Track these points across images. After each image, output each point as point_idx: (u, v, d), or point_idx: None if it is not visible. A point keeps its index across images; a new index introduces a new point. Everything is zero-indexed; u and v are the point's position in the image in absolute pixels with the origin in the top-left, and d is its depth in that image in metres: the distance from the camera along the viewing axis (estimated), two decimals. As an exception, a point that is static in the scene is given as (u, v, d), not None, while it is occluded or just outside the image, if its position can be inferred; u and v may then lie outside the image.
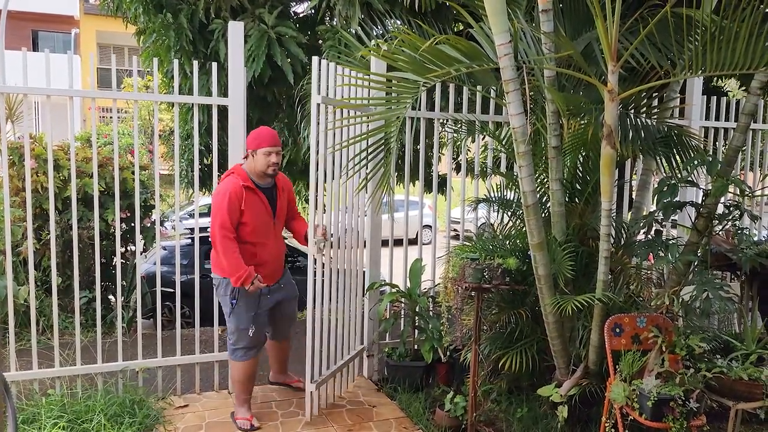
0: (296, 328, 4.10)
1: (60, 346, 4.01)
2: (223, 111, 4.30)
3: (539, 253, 3.33)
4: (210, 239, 3.64)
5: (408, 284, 4.54)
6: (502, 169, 4.56)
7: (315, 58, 3.74)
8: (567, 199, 3.73)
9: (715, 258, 3.78)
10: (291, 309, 3.99)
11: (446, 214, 4.83)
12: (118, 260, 4.19)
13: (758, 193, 4.24)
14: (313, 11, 5.87)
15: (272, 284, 3.74)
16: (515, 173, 3.74)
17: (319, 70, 3.72)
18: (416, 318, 4.48)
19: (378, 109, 3.88)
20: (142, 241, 6.13)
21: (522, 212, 3.51)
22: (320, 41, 5.68)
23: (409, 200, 4.96)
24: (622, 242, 3.86)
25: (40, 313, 5.27)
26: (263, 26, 5.39)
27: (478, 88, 4.56)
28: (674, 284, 3.57)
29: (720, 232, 3.99)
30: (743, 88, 6.80)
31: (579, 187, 3.85)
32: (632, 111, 3.84)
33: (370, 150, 3.91)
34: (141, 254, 5.69)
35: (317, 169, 3.73)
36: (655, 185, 3.51)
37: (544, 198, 3.81)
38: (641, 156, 4.10)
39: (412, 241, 5.09)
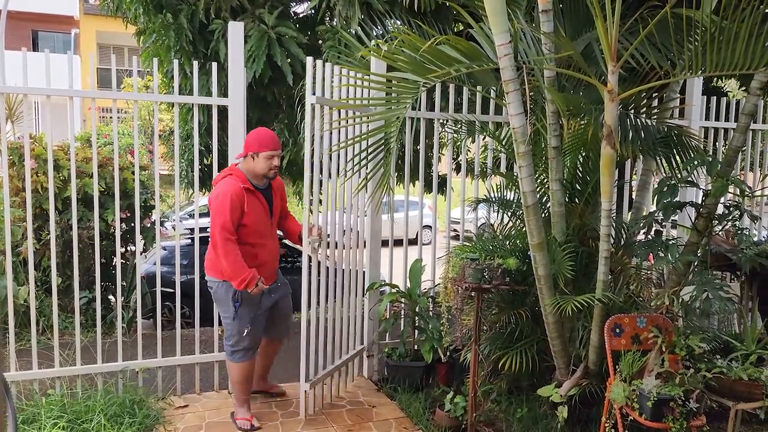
0: (293, 328, 4.09)
1: (60, 346, 4.01)
2: (223, 111, 4.30)
3: (539, 253, 3.33)
4: (209, 240, 3.63)
5: (408, 284, 4.54)
6: (502, 169, 4.57)
7: (309, 59, 3.74)
8: (567, 200, 3.73)
9: (715, 258, 3.78)
10: (288, 306, 3.99)
11: (446, 214, 4.84)
12: (118, 260, 4.20)
13: (758, 193, 4.23)
14: (313, 11, 5.87)
15: (271, 284, 3.75)
16: (515, 173, 3.74)
17: (314, 70, 3.72)
18: (416, 318, 4.48)
19: (378, 110, 3.88)
20: (142, 242, 6.13)
21: (522, 212, 3.51)
22: (320, 41, 5.68)
23: (409, 200, 4.96)
24: (622, 242, 3.86)
25: (40, 313, 5.27)
26: (263, 26, 5.39)
27: (478, 88, 4.56)
28: (674, 284, 3.57)
29: (720, 233, 3.99)
30: (743, 88, 6.80)
31: (579, 188, 3.85)
32: (632, 111, 3.84)
33: (370, 150, 3.91)
34: (141, 254, 5.69)
35: (312, 170, 3.74)
36: (655, 185, 3.51)
37: (544, 198, 3.81)
38: (641, 156, 4.11)
39: (412, 242, 5.09)
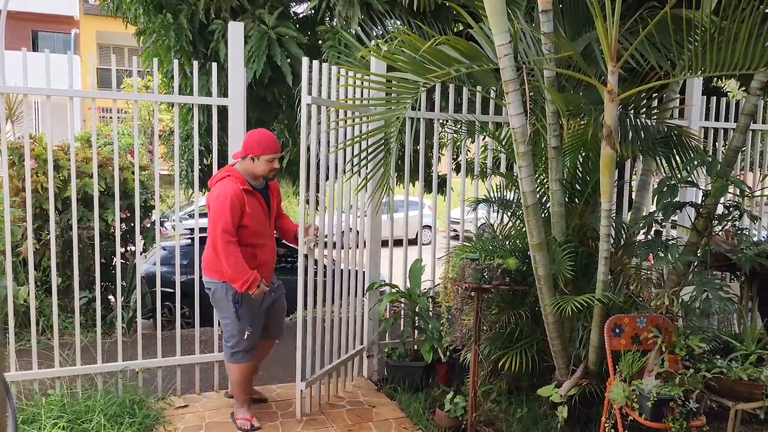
0: (293, 329, 4.09)
1: (60, 346, 4.01)
2: (223, 111, 4.30)
3: (539, 253, 3.33)
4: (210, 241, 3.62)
5: (408, 284, 4.54)
6: (502, 169, 4.57)
7: (305, 59, 3.75)
8: (567, 200, 3.73)
9: (714, 258, 3.79)
10: (282, 307, 3.97)
11: (446, 214, 4.84)
12: (117, 260, 4.20)
13: (758, 193, 4.24)
14: (312, 12, 5.87)
15: (269, 284, 3.75)
16: (515, 173, 3.74)
17: (309, 70, 3.73)
18: (416, 318, 4.49)
19: (378, 110, 3.88)
20: (142, 242, 6.13)
21: (522, 212, 3.51)
22: (320, 42, 5.68)
23: (409, 200, 4.97)
24: (622, 242, 3.86)
25: (40, 313, 5.27)
26: (263, 27, 5.39)
27: (478, 88, 4.56)
28: (674, 284, 3.57)
29: (720, 233, 3.99)
30: (743, 88, 6.81)
31: (579, 188, 3.85)
32: (632, 111, 3.84)
33: (370, 150, 3.92)
34: (141, 254, 5.69)
35: (308, 170, 3.75)
36: (655, 186, 3.51)
37: (544, 198, 3.81)
38: (641, 156, 4.11)
39: (412, 242, 5.09)
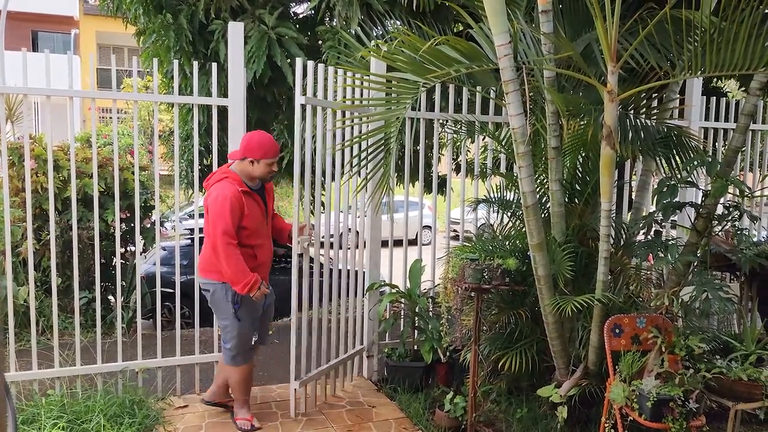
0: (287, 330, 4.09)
1: (60, 346, 4.01)
2: (222, 111, 4.30)
3: (539, 253, 3.33)
4: (205, 241, 3.61)
5: (408, 285, 4.54)
6: (502, 169, 4.57)
7: (298, 60, 3.75)
8: (567, 200, 3.73)
9: (714, 258, 3.79)
10: (271, 311, 3.95)
11: (446, 214, 4.84)
12: (117, 261, 4.20)
13: (758, 193, 4.24)
14: (312, 12, 5.87)
15: (267, 285, 3.74)
16: (515, 174, 3.75)
17: (304, 70, 3.73)
18: (416, 318, 4.49)
19: (378, 110, 3.88)
20: (142, 242, 6.13)
21: (522, 213, 3.51)
22: (320, 42, 5.68)
23: (409, 201, 4.97)
24: (622, 243, 3.86)
25: (40, 313, 5.27)
26: (263, 27, 5.39)
27: (478, 88, 4.56)
28: (674, 285, 3.58)
29: (719, 233, 3.99)
30: (743, 88, 6.81)
31: (579, 188, 3.85)
32: (632, 112, 3.84)
33: (370, 150, 3.92)
34: (141, 255, 5.69)
35: (302, 170, 3.77)
36: (655, 186, 3.52)
37: (544, 198, 3.82)
38: (641, 157, 4.11)
39: (412, 242, 5.09)
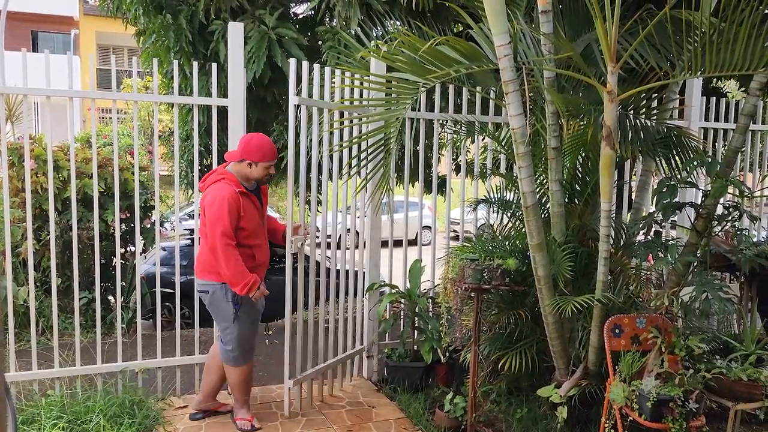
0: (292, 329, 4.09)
1: (59, 346, 4.01)
2: (222, 112, 4.30)
3: (539, 253, 3.33)
4: (202, 242, 3.60)
5: (408, 285, 4.54)
6: (502, 170, 4.57)
7: (292, 60, 3.76)
8: (566, 200, 3.73)
9: (714, 259, 3.79)
10: (260, 314, 3.96)
11: (446, 214, 4.84)
12: (117, 261, 4.20)
13: (757, 194, 4.24)
14: (312, 12, 5.87)
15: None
16: (515, 174, 3.75)
17: (298, 71, 3.74)
18: (416, 319, 4.49)
19: (378, 110, 3.88)
20: (142, 242, 6.13)
21: (521, 213, 3.51)
22: (320, 42, 5.68)
23: (409, 201, 4.97)
24: (622, 243, 3.86)
25: (40, 313, 5.27)
26: (263, 27, 5.39)
27: (478, 89, 4.56)
28: (674, 285, 3.58)
29: (719, 233, 4.00)
30: (742, 89, 6.81)
31: (578, 188, 3.85)
32: (632, 112, 3.84)
33: (369, 151, 3.92)
34: (140, 255, 5.69)
35: (295, 171, 3.78)
36: (655, 186, 3.52)
37: (544, 199, 3.82)
38: (641, 157, 4.11)
39: (412, 242, 5.09)
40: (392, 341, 4.69)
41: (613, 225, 3.58)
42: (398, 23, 5.23)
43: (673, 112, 4.69)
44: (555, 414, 3.43)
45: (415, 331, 4.53)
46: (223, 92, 4.82)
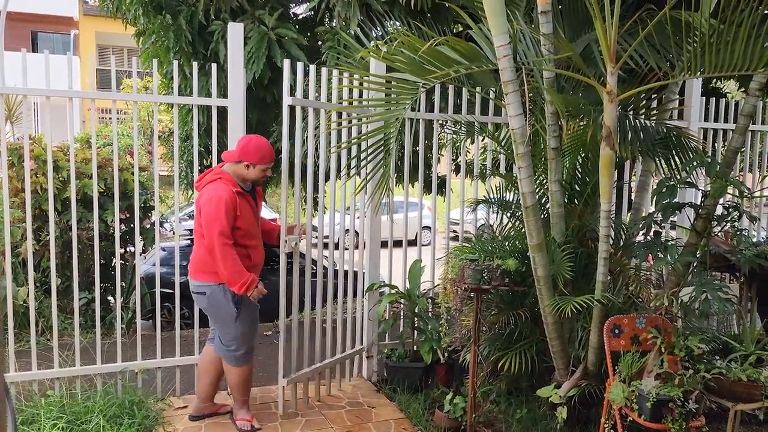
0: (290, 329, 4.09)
1: (59, 347, 4.00)
2: (222, 112, 4.30)
3: (538, 254, 3.33)
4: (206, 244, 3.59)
5: (407, 285, 4.54)
6: (502, 170, 4.57)
7: (286, 61, 3.76)
8: (566, 201, 3.73)
9: (714, 259, 3.79)
10: None
11: (445, 215, 4.84)
12: (117, 261, 4.19)
13: (757, 194, 4.24)
14: (312, 13, 5.87)
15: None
16: (514, 174, 3.75)
17: (293, 71, 3.74)
18: (415, 319, 4.49)
19: (377, 110, 3.89)
20: (142, 242, 6.13)
21: (521, 213, 3.51)
22: (320, 42, 5.69)
23: (409, 201, 4.97)
24: (621, 243, 3.87)
25: (40, 314, 5.27)
26: (263, 28, 5.40)
27: (478, 89, 4.56)
28: (673, 285, 3.58)
29: (719, 234, 4.00)
30: (742, 89, 6.82)
31: (578, 189, 3.85)
32: (631, 112, 3.84)
33: (369, 151, 3.92)
34: (140, 255, 5.69)
35: (289, 172, 3.79)
36: (654, 186, 3.52)
37: (544, 199, 3.82)
38: (640, 157, 4.11)
39: (412, 242, 5.09)
40: (392, 341, 4.69)
41: (613, 225, 3.58)
42: (398, 24, 5.23)
43: (673, 112, 4.70)
44: (555, 414, 3.43)
45: (415, 332, 4.53)
46: (223, 93, 4.82)
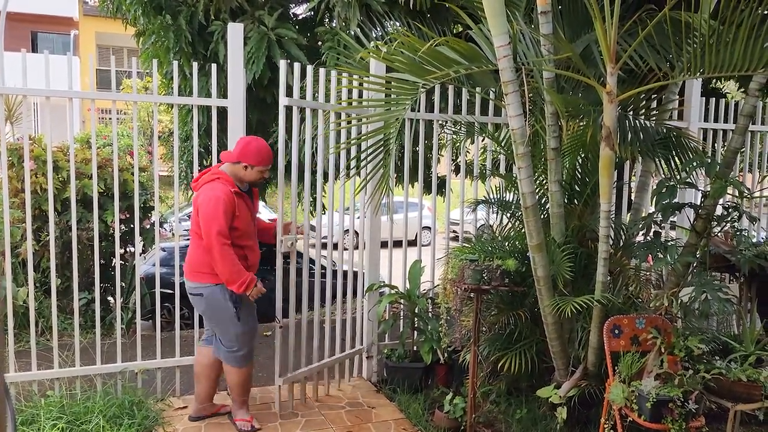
0: (292, 330, 4.09)
1: (59, 347, 4.00)
2: (222, 112, 4.30)
3: (538, 254, 3.33)
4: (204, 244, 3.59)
5: (407, 285, 4.54)
6: (501, 170, 4.57)
7: (282, 62, 3.76)
8: (566, 201, 3.73)
9: (713, 259, 3.79)
10: None
11: (445, 215, 4.84)
12: (117, 261, 4.19)
13: (757, 194, 4.25)
14: (312, 13, 5.87)
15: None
16: (514, 175, 3.75)
17: (290, 71, 3.75)
18: (415, 319, 4.49)
19: (377, 111, 3.89)
20: (141, 243, 6.13)
21: (521, 214, 3.51)
22: (319, 43, 5.68)
23: (408, 202, 4.97)
24: (621, 244, 3.87)
25: (39, 314, 5.27)
26: (263, 28, 5.39)
27: (477, 89, 4.56)
28: (673, 285, 3.58)
29: (719, 234, 4.00)
30: (742, 89, 6.82)
31: (578, 189, 3.85)
32: (631, 113, 3.84)
33: (369, 151, 3.92)
34: (140, 255, 5.69)
35: (284, 172, 3.80)
36: (654, 187, 3.52)
37: (543, 199, 3.82)
38: (640, 157, 4.11)
39: (412, 243, 5.10)
40: (392, 342, 4.69)
41: (613, 226, 3.58)
42: (398, 24, 5.23)
43: (673, 112, 4.70)
44: (554, 415, 3.43)
45: (415, 332, 4.53)
46: (223, 93, 4.82)
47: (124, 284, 5.87)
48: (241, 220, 3.52)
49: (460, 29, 5.57)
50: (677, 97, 4.45)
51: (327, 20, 5.81)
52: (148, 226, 6.18)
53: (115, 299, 4.90)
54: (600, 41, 2.97)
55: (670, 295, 3.38)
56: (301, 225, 4.02)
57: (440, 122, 4.61)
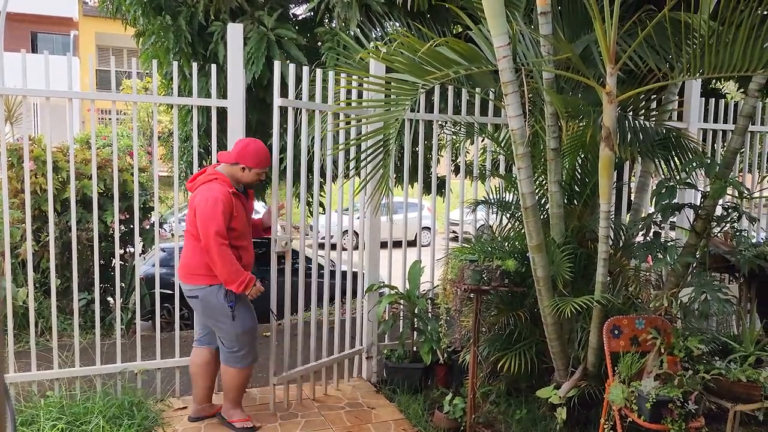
0: (294, 329, 4.09)
1: (59, 347, 4.00)
2: (222, 113, 4.30)
3: (538, 254, 3.33)
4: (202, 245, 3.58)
5: (407, 286, 4.54)
6: (501, 171, 4.57)
7: (277, 63, 3.76)
8: (566, 201, 3.73)
9: (713, 260, 3.79)
10: None
11: (445, 215, 4.84)
12: (117, 262, 4.19)
13: (756, 195, 4.25)
14: (311, 13, 5.87)
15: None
16: (514, 175, 3.75)
17: (283, 73, 3.76)
18: (415, 320, 4.49)
19: (376, 111, 3.89)
20: (141, 243, 6.13)
21: (521, 214, 3.51)
22: (319, 43, 5.69)
23: (408, 202, 4.97)
24: (621, 244, 3.87)
25: (39, 314, 5.27)
26: (263, 28, 5.39)
27: (477, 90, 4.56)
28: (673, 286, 3.58)
29: (718, 234, 4.00)
30: (741, 90, 6.82)
31: (578, 189, 3.85)
32: (631, 113, 3.85)
33: (369, 152, 3.93)
34: (140, 256, 5.69)
35: (279, 172, 3.82)
36: (654, 187, 3.52)
37: (543, 200, 3.82)
38: (640, 158, 4.12)
39: (411, 243, 5.09)
40: (391, 342, 4.69)
41: (612, 226, 3.58)
42: (397, 24, 5.23)
43: (672, 113, 4.70)
44: (554, 415, 3.43)
45: (415, 332, 4.53)
46: (223, 93, 4.82)
47: (123, 285, 5.87)
48: (238, 220, 3.52)
49: (460, 30, 5.57)
50: (677, 97, 4.45)
51: (327, 21, 5.80)
52: (147, 227, 6.18)
53: (114, 300, 4.90)
54: (600, 42, 2.97)
55: (669, 295, 3.39)
56: (296, 223, 4.03)
57: (440, 123, 4.61)
